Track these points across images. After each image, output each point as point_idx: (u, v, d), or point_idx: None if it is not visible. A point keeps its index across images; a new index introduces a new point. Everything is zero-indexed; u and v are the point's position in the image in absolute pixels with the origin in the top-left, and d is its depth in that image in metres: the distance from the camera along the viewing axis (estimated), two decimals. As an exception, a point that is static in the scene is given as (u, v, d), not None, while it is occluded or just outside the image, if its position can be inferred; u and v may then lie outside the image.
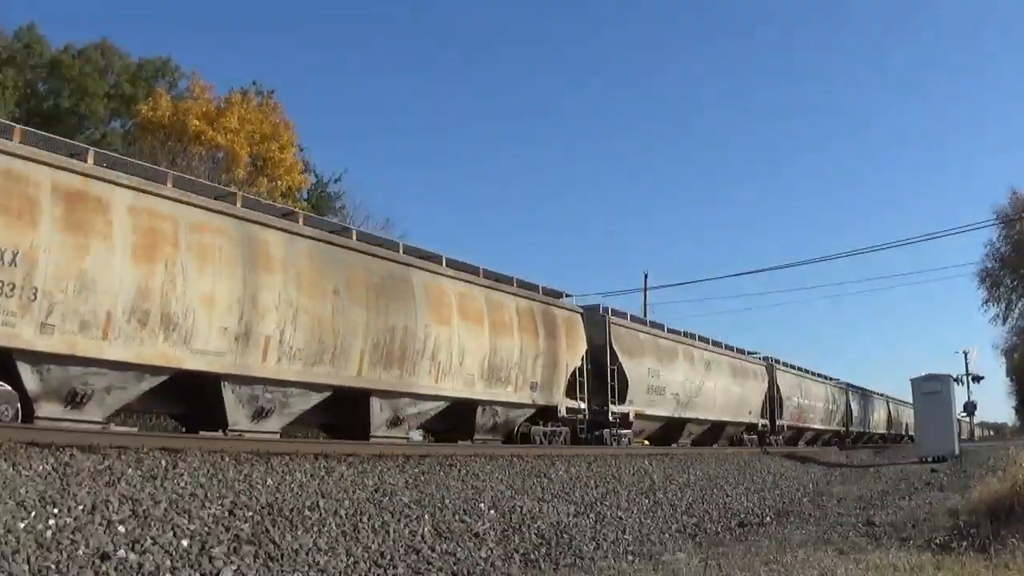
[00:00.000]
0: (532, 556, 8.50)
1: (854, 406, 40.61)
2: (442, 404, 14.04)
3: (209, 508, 7.01)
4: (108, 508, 6.36)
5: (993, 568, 7.66)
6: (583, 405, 17.84)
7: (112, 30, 68.64)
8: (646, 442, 22.40)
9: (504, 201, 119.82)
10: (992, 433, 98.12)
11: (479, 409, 14.88)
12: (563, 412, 17.16)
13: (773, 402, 29.20)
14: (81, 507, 6.24)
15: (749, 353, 28.62)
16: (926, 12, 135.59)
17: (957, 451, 26.91)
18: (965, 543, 9.05)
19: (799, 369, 33.51)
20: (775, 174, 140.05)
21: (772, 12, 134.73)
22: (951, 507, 12.66)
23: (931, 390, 28.86)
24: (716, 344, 25.83)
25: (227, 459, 8.52)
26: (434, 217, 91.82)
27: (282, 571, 6.44)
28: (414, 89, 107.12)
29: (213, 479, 7.76)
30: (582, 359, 17.98)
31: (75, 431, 8.51)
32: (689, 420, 23.01)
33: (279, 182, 29.70)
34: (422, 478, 10.09)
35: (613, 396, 18.81)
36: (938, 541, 9.57)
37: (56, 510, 6.07)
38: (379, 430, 12.85)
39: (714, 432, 25.13)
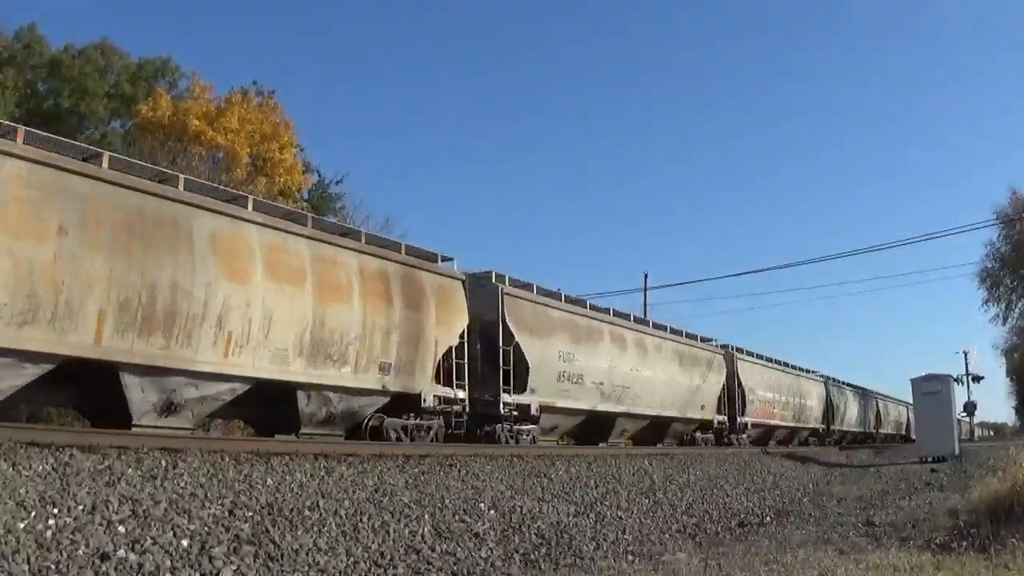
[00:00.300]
0: (532, 556, 8.51)
1: (836, 402, 37.25)
2: (240, 386, 11.02)
3: (209, 508, 7.01)
4: (108, 508, 6.36)
5: (993, 568, 7.66)
6: (461, 394, 14.57)
7: (112, 30, 68.78)
8: (560, 441, 19.30)
9: (504, 201, 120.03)
10: (992, 433, 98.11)
11: (301, 395, 11.87)
12: (430, 402, 13.82)
13: (734, 396, 25.87)
14: (81, 507, 6.24)
15: (703, 339, 24.92)
16: (926, 12, 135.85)
17: (957, 451, 26.91)
18: (965, 543, 9.06)
19: (766, 359, 29.74)
20: (775, 174, 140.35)
21: (772, 13, 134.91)
22: (951, 507, 12.66)
23: (931, 390, 28.83)
24: (658, 327, 22.49)
25: (227, 459, 8.53)
26: (434, 217, 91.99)
27: (282, 571, 6.45)
28: (414, 89, 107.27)
29: (213, 479, 7.77)
30: (462, 337, 14.74)
31: (72, 431, 8.45)
32: (620, 415, 19.61)
33: (278, 180, 29.72)
34: (422, 478, 10.09)
35: (508, 383, 15.48)
36: (938, 541, 9.58)
37: (56, 510, 6.07)
38: (145, 417, 10.03)
39: (656, 429, 21.79)
